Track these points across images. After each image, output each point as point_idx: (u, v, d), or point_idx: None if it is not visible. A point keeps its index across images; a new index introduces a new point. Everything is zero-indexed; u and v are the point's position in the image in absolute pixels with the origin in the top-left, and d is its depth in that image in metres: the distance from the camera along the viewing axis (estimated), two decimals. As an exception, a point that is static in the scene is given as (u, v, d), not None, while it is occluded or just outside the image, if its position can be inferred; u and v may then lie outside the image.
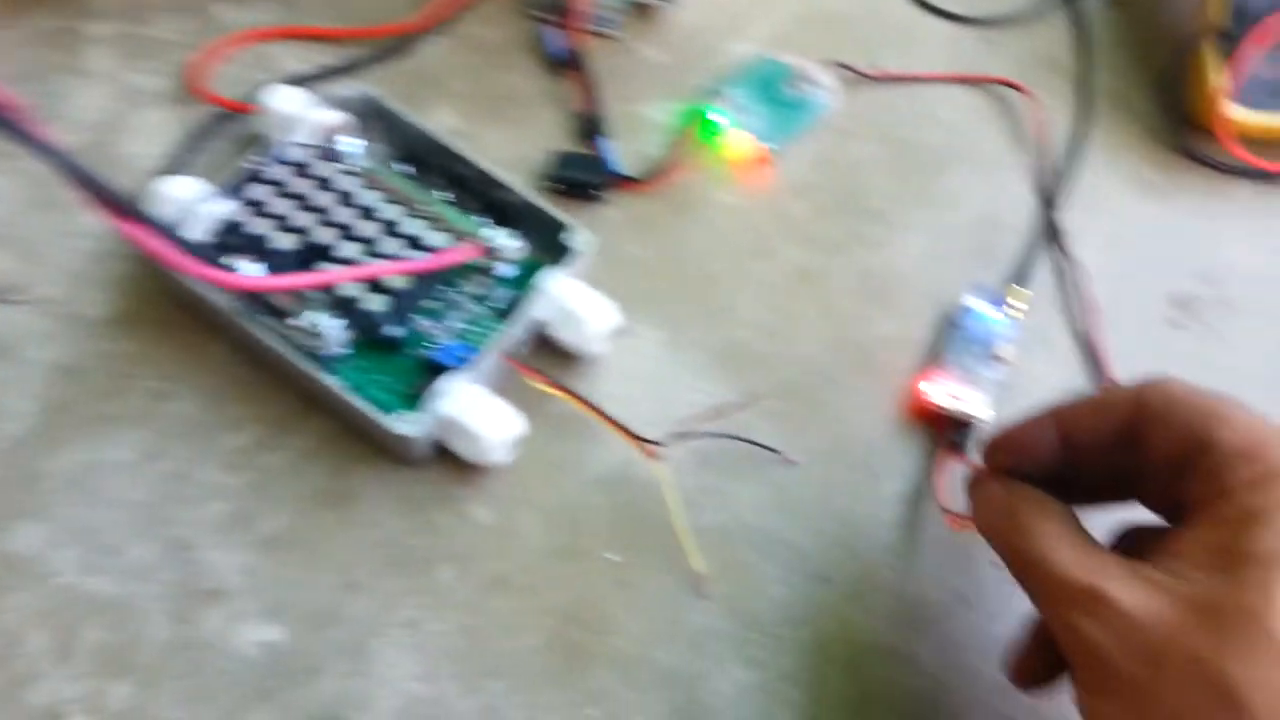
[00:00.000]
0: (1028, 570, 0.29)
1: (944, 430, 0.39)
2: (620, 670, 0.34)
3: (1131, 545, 0.30)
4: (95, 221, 0.41)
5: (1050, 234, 0.44)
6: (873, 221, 0.45)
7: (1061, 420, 0.30)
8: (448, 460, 0.37)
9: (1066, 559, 0.27)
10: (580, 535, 0.37)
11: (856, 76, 0.48)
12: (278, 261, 0.38)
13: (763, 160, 0.46)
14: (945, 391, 0.39)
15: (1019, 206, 0.45)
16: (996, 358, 0.40)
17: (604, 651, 0.35)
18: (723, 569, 0.36)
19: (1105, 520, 0.31)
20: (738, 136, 0.46)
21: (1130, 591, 0.25)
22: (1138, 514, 0.31)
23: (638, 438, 0.37)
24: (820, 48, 0.49)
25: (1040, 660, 0.30)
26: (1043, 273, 0.44)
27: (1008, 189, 0.46)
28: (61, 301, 0.40)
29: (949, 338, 0.41)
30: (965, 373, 0.40)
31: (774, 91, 0.46)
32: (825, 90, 0.47)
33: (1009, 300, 0.42)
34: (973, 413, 0.39)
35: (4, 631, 0.34)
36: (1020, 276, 0.43)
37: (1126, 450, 0.29)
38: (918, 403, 0.40)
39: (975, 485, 0.33)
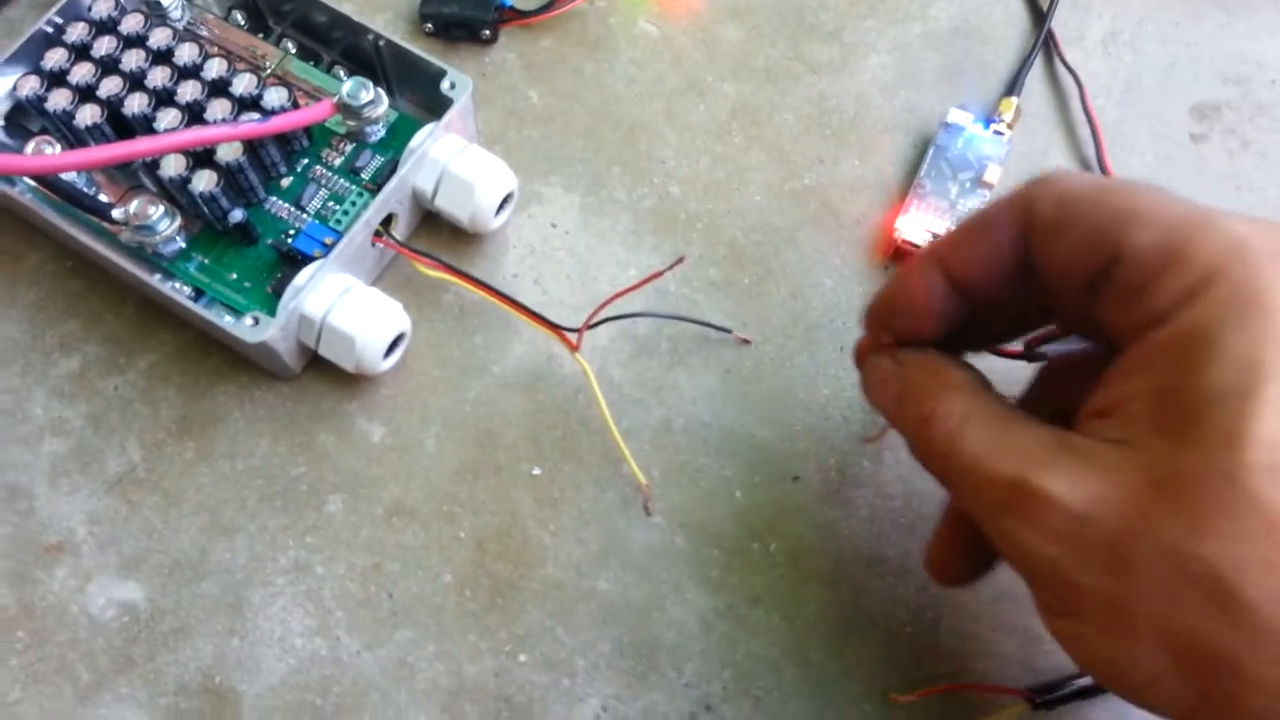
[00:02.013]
0: (938, 464, 0.23)
1: None
2: (554, 606, 0.30)
3: (1064, 393, 0.25)
4: None
5: (1044, 43, 0.38)
6: (824, 42, 0.38)
7: (944, 261, 0.24)
8: (325, 370, 0.32)
9: (980, 446, 0.22)
10: (494, 447, 0.32)
11: None
12: (86, 143, 0.32)
13: (689, -22, 0.39)
14: (924, 226, 0.34)
15: (1002, 11, 0.39)
16: (984, 184, 0.35)
17: (532, 585, 0.30)
18: (669, 476, 0.32)
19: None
20: (656, -49, 0.39)
21: (1066, 478, 0.20)
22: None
23: (554, 326, 0.32)
24: None
25: (961, 550, 0.26)
26: (1037, 88, 0.38)
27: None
28: None
29: (929, 162, 0.35)
30: (947, 203, 0.34)
31: (697, -108, 0.39)
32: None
33: (999, 114, 0.36)
34: None
35: None
36: (1010, 91, 0.37)
37: (1029, 278, 0.23)
38: (891, 244, 0.34)
39: (862, 360, 0.27)
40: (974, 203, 0.35)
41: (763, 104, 0.37)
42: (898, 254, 0.35)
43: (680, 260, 0.32)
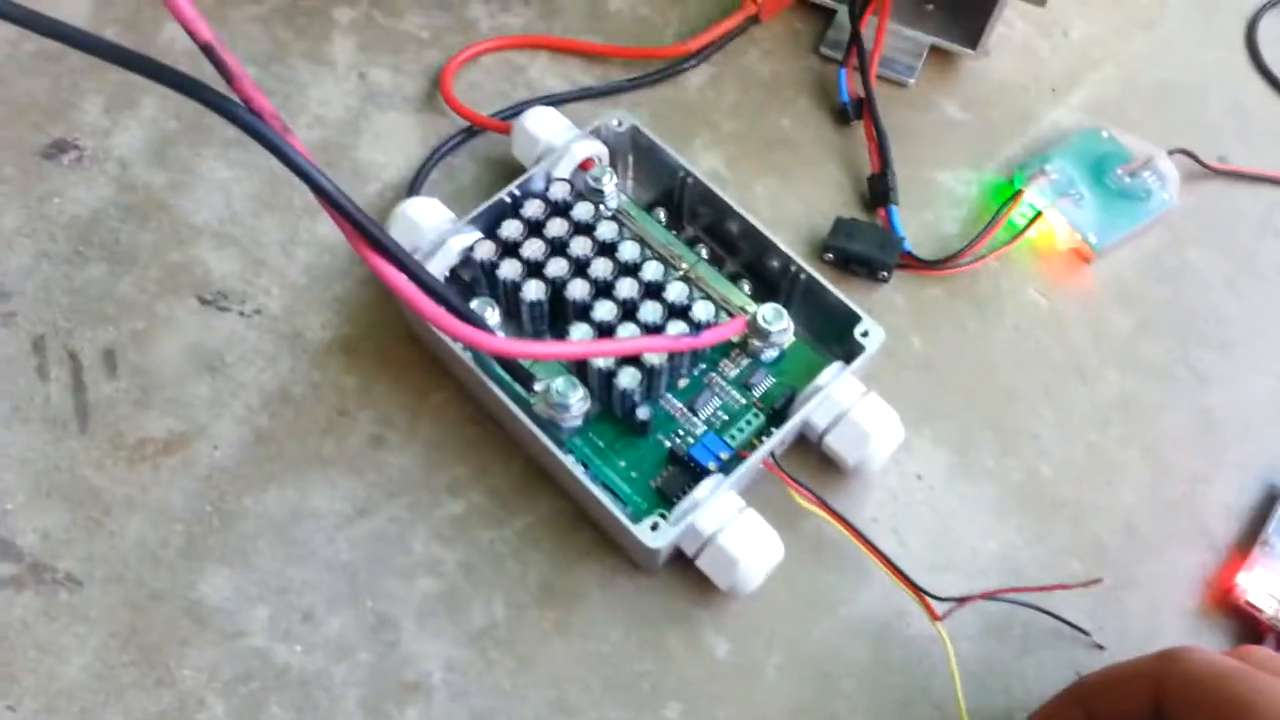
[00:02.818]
0: None
1: (1261, 635, 0.33)
2: None
3: None
4: (328, 232, 0.40)
5: None
6: (1213, 351, 0.39)
7: (1085, 701, 0.29)
8: (685, 571, 0.34)
9: None
10: (831, 694, 0.33)
11: (1198, 168, 0.43)
12: (520, 311, 0.35)
13: (1082, 257, 0.41)
14: (1270, 591, 0.33)
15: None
16: None
17: (854, 846, 0.31)
18: (1001, 766, 0.32)
19: None
20: (1054, 223, 0.41)
21: None
22: None
23: (919, 589, 0.32)
24: (1153, 125, 0.44)
25: None
26: None
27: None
28: (281, 317, 0.38)
29: (1278, 518, 0.35)
30: None
31: (1104, 176, 0.41)
32: (1168, 183, 0.41)
33: None
34: None
35: (184, 692, 0.32)
36: None
37: None
38: (1227, 598, 0.34)
39: None
40: None
41: (1145, 401, 0.38)
42: (1235, 613, 0.34)
43: (1097, 581, 0.32)
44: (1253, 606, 0.33)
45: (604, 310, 0.34)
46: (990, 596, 0.33)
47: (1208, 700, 0.26)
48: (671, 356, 0.34)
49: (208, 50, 0.26)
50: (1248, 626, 0.34)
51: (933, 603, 0.32)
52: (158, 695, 0.32)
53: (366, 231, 0.29)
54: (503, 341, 0.31)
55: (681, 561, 0.34)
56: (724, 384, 0.36)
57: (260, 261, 0.39)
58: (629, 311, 0.34)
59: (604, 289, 0.35)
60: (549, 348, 0.32)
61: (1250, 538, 0.35)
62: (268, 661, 0.32)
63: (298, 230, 0.40)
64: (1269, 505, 0.35)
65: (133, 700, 0.32)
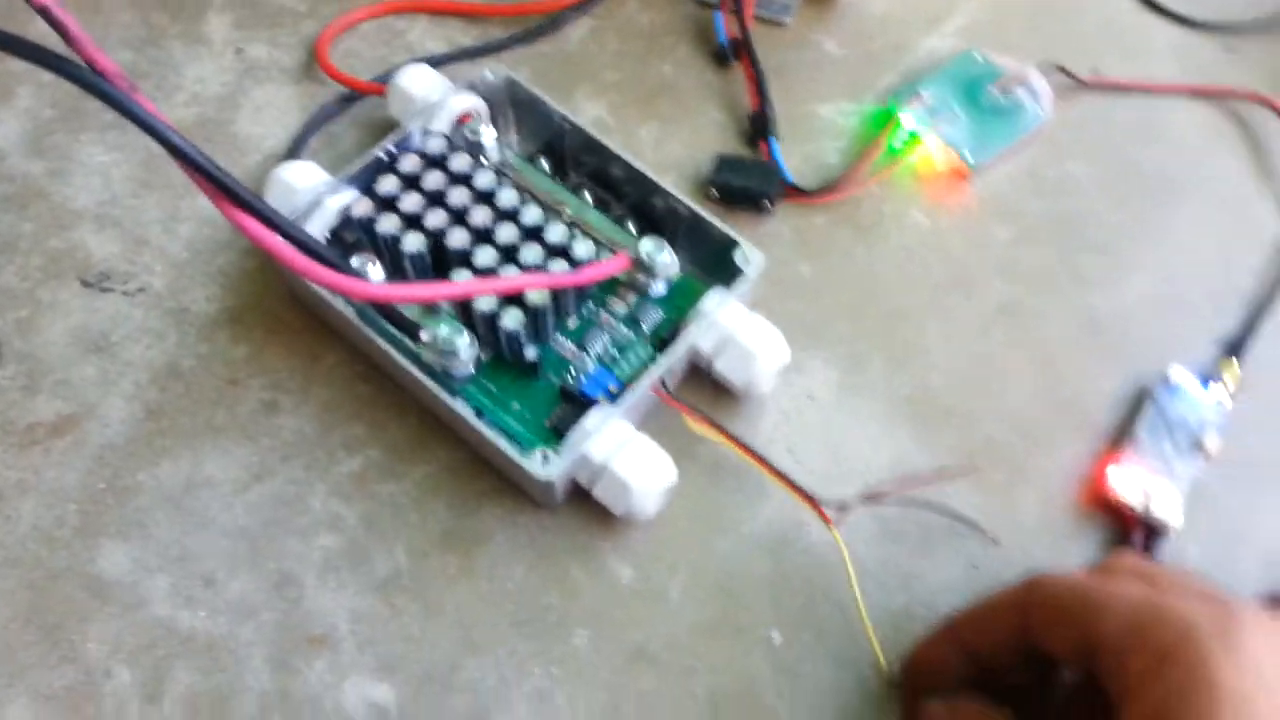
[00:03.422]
0: None
1: (1131, 529, 0.35)
2: (781, 776, 0.31)
3: None
4: (208, 206, 0.40)
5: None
6: (1094, 254, 0.41)
7: (958, 635, 0.30)
8: (584, 504, 0.34)
9: None
10: (737, 607, 0.34)
11: (1072, 83, 0.44)
12: (403, 265, 0.36)
13: (961, 175, 0.42)
14: (1139, 484, 0.35)
15: (1263, 247, 0.41)
16: (1200, 449, 0.36)
17: (763, 751, 0.32)
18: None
19: None
20: (932, 146, 0.42)
21: None
22: None
23: (812, 499, 0.34)
24: (1028, 46, 0.46)
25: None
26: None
27: (1250, 222, 0.42)
28: (166, 294, 0.38)
29: (1147, 416, 0.36)
30: (1162, 463, 0.35)
31: (977, 95, 0.43)
32: (1040, 97, 0.43)
33: (1223, 376, 0.37)
34: (1163, 517, 0.34)
35: (89, 665, 0.32)
36: (1237, 345, 0.38)
37: (1034, 655, 0.28)
38: (1099, 493, 0.35)
39: (913, 710, 0.31)
40: (1190, 469, 0.35)
41: (1029, 307, 0.39)
42: (1106, 507, 0.35)
43: (975, 469, 0.33)
44: (1122, 501, 0.35)
45: (485, 256, 0.35)
46: (875, 497, 0.34)
47: (1065, 615, 0.27)
48: (556, 296, 0.35)
49: (44, 12, 0.26)
50: (1120, 520, 0.35)
51: (826, 509, 0.34)
52: (62, 671, 0.32)
53: (225, 187, 0.29)
54: (375, 287, 0.32)
55: (581, 497, 0.34)
56: (613, 321, 0.37)
57: (142, 241, 0.40)
58: (510, 256, 0.35)
59: (484, 236, 0.36)
60: (423, 289, 0.32)
61: (1124, 435, 0.36)
62: (172, 629, 0.33)
63: (178, 207, 0.40)
64: (1140, 403, 0.37)
65: (37, 678, 0.32)
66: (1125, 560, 0.30)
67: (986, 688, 0.30)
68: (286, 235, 0.31)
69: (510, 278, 0.34)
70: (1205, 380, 0.37)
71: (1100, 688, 0.26)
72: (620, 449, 0.33)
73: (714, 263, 0.37)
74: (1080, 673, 0.28)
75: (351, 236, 0.38)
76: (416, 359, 0.34)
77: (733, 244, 0.36)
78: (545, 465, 0.32)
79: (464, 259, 0.35)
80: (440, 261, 0.36)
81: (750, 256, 0.36)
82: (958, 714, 0.29)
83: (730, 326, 0.35)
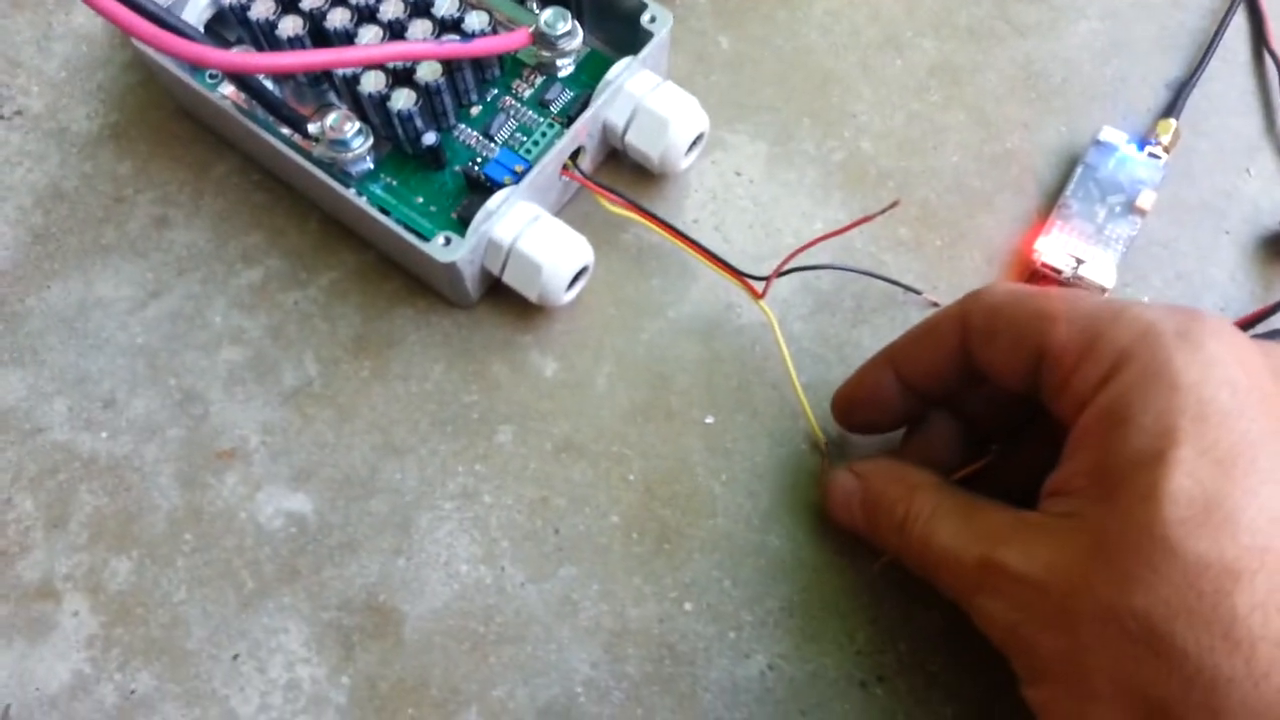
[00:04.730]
0: (916, 560, 0.25)
1: None
2: (722, 557, 0.29)
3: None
4: (83, 22, 0.36)
5: (1254, 23, 0.36)
6: (1031, 3, 0.37)
7: (895, 361, 0.27)
8: (502, 299, 0.32)
9: (951, 536, 0.24)
10: (667, 391, 0.31)
11: None
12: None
13: (890, -70, 0.38)
14: (1067, 250, 0.32)
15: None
16: (1136, 209, 0.32)
17: (700, 534, 0.30)
18: (847, 438, 0.30)
19: None
20: (858, -99, 0.38)
21: (1022, 550, 0.22)
22: None
23: (738, 272, 0.31)
24: None
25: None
26: (1238, 80, 0.36)
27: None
28: (44, 115, 0.35)
29: (1076, 181, 0.33)
30: (1093, 227, 0.32)
31: None
32: None
33: (1156, 136, 0.34)
34: (1095, 280, 0.32)
35: (-10, 496, 0.30)
36: (1169, 112, 0.34)
37: (974, 377, 0.26)
38: (1028, 266, 0.32)
39: (824, 481, 0.29)
40: (1124, 229, 0.32)
41: (964, 63, 0.36)
42: (1034, 277, 0.32)
43: (895, 204, 0.30)
44: (1049, 268, 0.32)
45: (369, 35, 0.31)
46: (792, 261, 0.31)
47: (1010, 323, 0.24)
48: (452, 75, 0.32)
49: None
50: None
51: (754, 284, 0.31)
52: (-41, 503, 0.30)
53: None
54: (237, 55, 0.29)
55: (497, 292, 0.32)
56: (518, 104, 0.33)
57: (15, 62, 0.36)
58: (398, 33, 0.32)
59: (367, 15, 0.32)
60: (289, 57, 0.29)
61: (1054, 201, 0.33)
62: (72, 452, 0.30)
63: (51, 26, 0.36)
64: (1071, 168, 0.34)
65: (-67, 512, 0.30)
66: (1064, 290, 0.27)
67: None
68: (145, 13, 0.27)
69: (389, 45, 0.30)
70: (1141, 143, 0.33)
71: (1046, 409, 0.24)
72: (527, 228, 0.30)
73: (624, 35, 0.33)
74: (1024, 391, 0.25)
75: (231, 35, 0.34)
76: (309, 156, 0.31)
77: (640, 8, 0.32)
78: (447, 248, 0.29)
79: (347, 40, 0.31)
80: (322, 47, 0.32)
81: (658, 15, 0.32)
82: (869, 479, 0.27)
83: (639, 95, 0.32)
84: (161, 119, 0.35)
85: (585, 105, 0.32)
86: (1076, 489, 0.22)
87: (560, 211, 0.33)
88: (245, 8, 0.32)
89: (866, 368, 0.28)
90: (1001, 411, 0.28)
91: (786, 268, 0.31)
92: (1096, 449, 0.22)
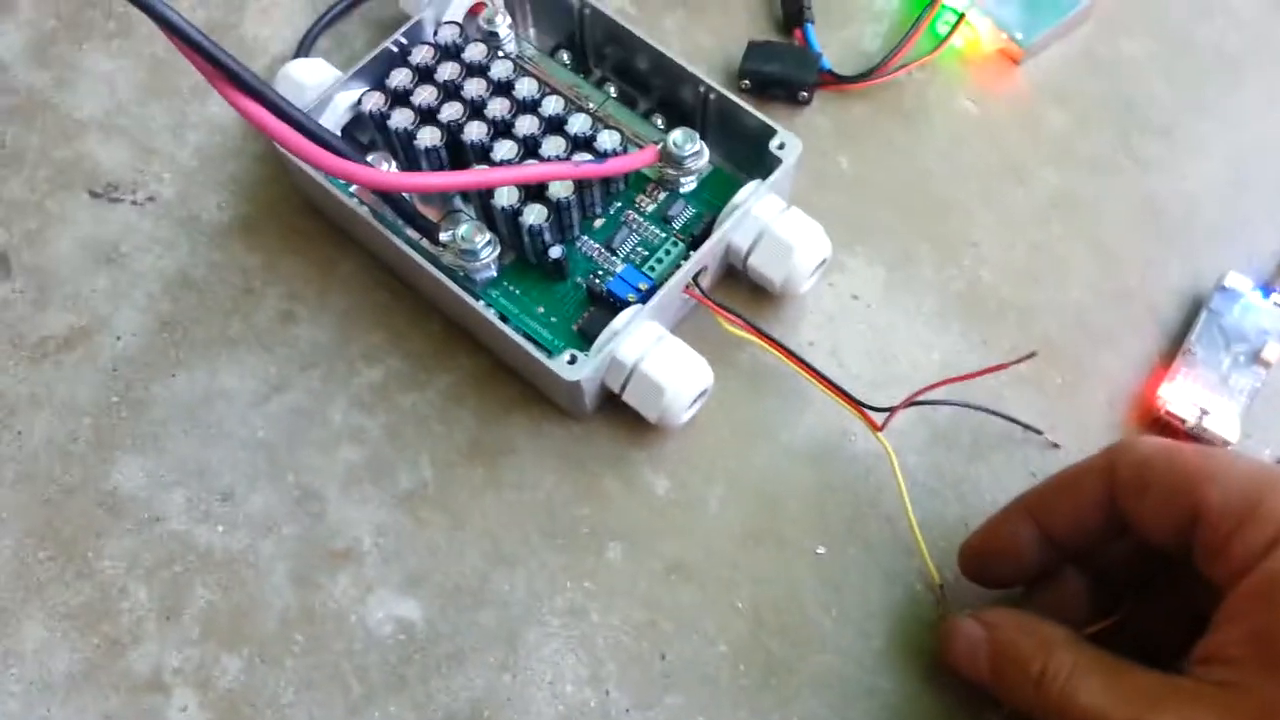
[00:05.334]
0: (1054, 718, 0.24)
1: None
2: (833, 698, 0.28)
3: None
4: (217, 112, 0.37)
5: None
6: (1154, 138, 0.36)
7: (1034, 512, 0.27)
8: (615, 412, 0.32)
9: (1096, 697, 0.23)
10: (778, 517, 0.31)
11: (1129, -44, 0.40)
12: (418, 163, 0.33)
13: (1010, 57, 0.38)
14: (1192, 400, 0.31)
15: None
16: (1259, 360, 0.32)
17: (809, 669, 0.29)
18: (964, 581, 0.29)
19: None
20: (979, 26, 0.38)
21: (1180, 717, 0.21)
22: None
23: (857, 402, 0.30)
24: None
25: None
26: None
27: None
28: (177, 203, 0.36)
29: (1200, 327, 0.32)
30: (1218, 376, 0.31)
31: (1028, -29, 0.38)
32: (1094, -29, 0.38)
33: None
34: (1218, 433, 0.31)
35: (104, 582, 0.30)
36: None
37: (1119, 532, 0.25)
38: (1150, 412, 0.31)
39: (945, 628, 0.28)
40: (1248, 380, 0.31)
41: (1086, 195, 0.35)
42: (1157, 424, 0.31)
43: (1033, 354, 0.30)
44: (1174, 417, 0.31)
45: (504, 150, 0.32)
46: (918, 398, 0.30)
47: (1162, 479, 0.24)
48: (581, 191, 0.32)
49: None
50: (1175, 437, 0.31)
51: (872, 414, 0.30)
52: (78, 588, 0.30)
53: (231, 72, 0.26)
54: (387, 175, 0.29)
55: (612, 405, 0.31)
56: (641, 219, 0.33)
57: (150, 149, 0.37)
58: (532, 149, 0.32)
59: (503, 129, 0.32)
60: (438, 178, 0.29)
61: (1178, 346, 0.32)
62: (189, 544, 0.30)
63: (186, 114, 0.37)
64: (1193, 309, 0.33)
65: (53, 594, 0.30)
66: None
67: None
68: (293, 122, 0.27)
69: (530, 166, 0.30)
70: (1266, 290, 0.33)
71: (1194, 568, 0.23)
72: (651, 349, 0.30)
73: (748, 155, 0.33)
74: (1172, 549, 0.24)
75: (365, 137, 0.34)
76: (436, 262, 0.31)
77: (769, 132, 0.32)
78: (573, 367, 0.29)
79: (482, 153, 0.32)
80: (458, 158, 0.33)
81: (788, 142, 0.32)
82: (998, 630, 0.26)
83: (766, 219, 0.31)
84: (290, 214, 0.35)
85: (708, 223, 0.33)
86: (1235, 657, 0.22)
87: (677, 328, 0.33)
88: (385, 116, 0.32)
89: (1000, 519, 0.27)
90: (1134, 567, 0.27)
91: (912, 401, 0.30)
92: (1259, 618, 0.21)
